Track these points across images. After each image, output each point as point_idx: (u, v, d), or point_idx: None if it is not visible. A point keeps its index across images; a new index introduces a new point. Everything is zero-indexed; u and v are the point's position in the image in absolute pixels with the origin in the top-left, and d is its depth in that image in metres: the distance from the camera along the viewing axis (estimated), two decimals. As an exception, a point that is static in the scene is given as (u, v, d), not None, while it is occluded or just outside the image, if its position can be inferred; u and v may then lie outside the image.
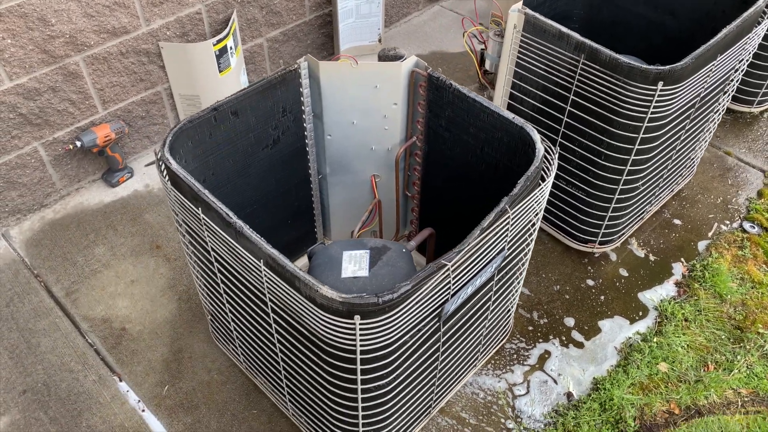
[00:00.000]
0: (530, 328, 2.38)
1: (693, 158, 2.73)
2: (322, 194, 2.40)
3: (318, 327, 1.44)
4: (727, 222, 2.76)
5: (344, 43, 3.48)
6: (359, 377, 1.54)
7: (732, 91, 2.52)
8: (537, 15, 2.13)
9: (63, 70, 2.51)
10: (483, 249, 1.57)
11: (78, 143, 2.65)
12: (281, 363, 1.80)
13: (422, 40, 3.76)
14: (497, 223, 1.58)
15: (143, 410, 2.14)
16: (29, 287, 2.48)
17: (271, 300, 1.57)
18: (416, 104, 2.07)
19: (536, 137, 1.72)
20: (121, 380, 2.22)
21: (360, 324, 1.38)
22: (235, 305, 1.81)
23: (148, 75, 2.79)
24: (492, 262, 1.66)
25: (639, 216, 2.62)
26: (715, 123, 2.65)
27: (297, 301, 1.44)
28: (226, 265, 1.67)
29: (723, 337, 2.35)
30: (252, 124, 1.94)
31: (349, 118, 2.12)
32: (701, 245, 2.67)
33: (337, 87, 2.03)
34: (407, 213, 2.47)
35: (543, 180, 1.73)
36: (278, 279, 1.45)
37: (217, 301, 1.94)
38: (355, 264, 1.90)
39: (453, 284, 1.53)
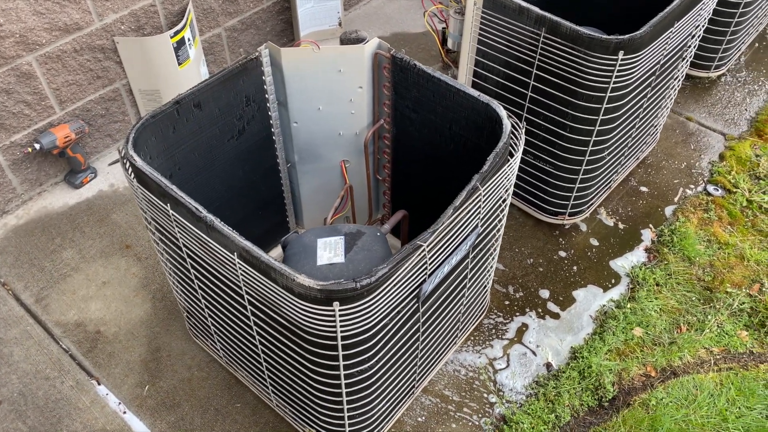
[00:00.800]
0: (507, 302, 2.41)
1: (656, 125, 2.78)
2: (292, 183, 2.38)
3: (297, 316, 1.44)
4: (692, 186, 2.82)
5: (304, 29, 3.43)
6: (341, 363, 1.54)
7: (690, 57, 2.57)
8: (496, -10, 2.13)
9: (15, 71, 2.43)
10: (457, 227, 1.58)
11: (37, 146, 2.57)
12: (262, 355, 1.79)
13: (383, 21, 3.74)
14: (469, 201, 1.59)
15: (125, 412, 2.11)
16: (-3, 296, 2.42)
17: (247, 293, 1.55)
18: (381, 86, 2.05)
19: (503, 114, 1.73)
20: (99, 384, 2.19)
21: (339, 310, 1.37)
22: (212, 301, 1.79)
23: (105, 72, 2.72)
24: (467, 239, 1.67)
25: (606, 185, 2.66)
26: (675, 89, 2.69)
27: (274, 291, 1.43)
28: (200, 260, 1.65)
29: (693, 298, 2.41)
30: (216, 115, 1.91)
31: (314, 105, 2.10)
32: (668, 210, 2.73)
33: (301, 73, 2.00)
34: (379, 196, 2.47)
35: (511, 156, 1.74)
36: (253, 271, 1.44)
37: (193, 298, 1.92)
38: (330, 251, 1.89)
39: (430, 264, 1.54)
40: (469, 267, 1.86)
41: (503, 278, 2.49)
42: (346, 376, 1.60)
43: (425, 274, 1.55)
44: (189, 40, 2.83)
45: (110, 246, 2.58)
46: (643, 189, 2.81)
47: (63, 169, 2.80)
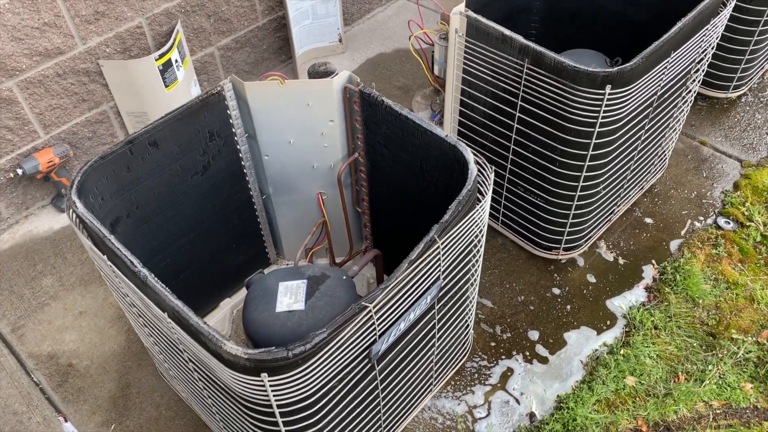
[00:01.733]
0: (493, 344, 2.28)
1: (663, 152, 2.60)
2: (269, 214, 2.29)
3: (229, 383, 1.34)
4: (701, 218, 2.64)
5: (302, 46, 3.35)
6: (282, 428, 1.44)
7: (700, 78, 2.38)
8: (479, 17, 2.00)
9: (-5, 97, 2.40)
10: (412, 284, 1.46)
11: (19, 171, 2.55)
12: (213, 408, 1.70)
13: (386, 37, 3.63)
14: (427, 254, 1.47)
15: (89, 452, 2.06)
16: (-26, 324, 2.40)
17: (185, 350, 1.47)
18: (354, 120, 1.95)
19: (469, 157, 1.60)
20: (66, 420, 2.14)
21: (269, 381, 1.28)
22: (160, 349, 1.71)
23: (90, 95, 2.68)
24: (425, 294, 1.55)
25: (606, 218, 2.50)
26: (684, 113, 2.52)
27: (204, 355, 1.34)
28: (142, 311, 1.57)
29: (695, 344, 2.24)
30: (176, 153, 1.83)
31: (285, 138, 2.00)
32: (673, 245, 2.55)
33: (268, 107, 1.91)
34: (361, 229, 2.36)
35: (479, 200, 1.62)
36: (183, 333, 1.35)
37: (146, 341, 1.85)
38: (290, 296, 1.80)
39: (379, 325, 1.43)
40: (437, 318, 1.74)
41: (491, 317, 2.36)
42: (292, 440, 1.50)
43: (374, 335, 1.44)
44: (177, 61, 2.77)
45: (90, 273, 2.53)
46: (648, 221, 2.64)
47: (50, 192, 2.78)
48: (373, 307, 1.37)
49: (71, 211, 1.56)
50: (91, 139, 2.79)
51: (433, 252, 1.48)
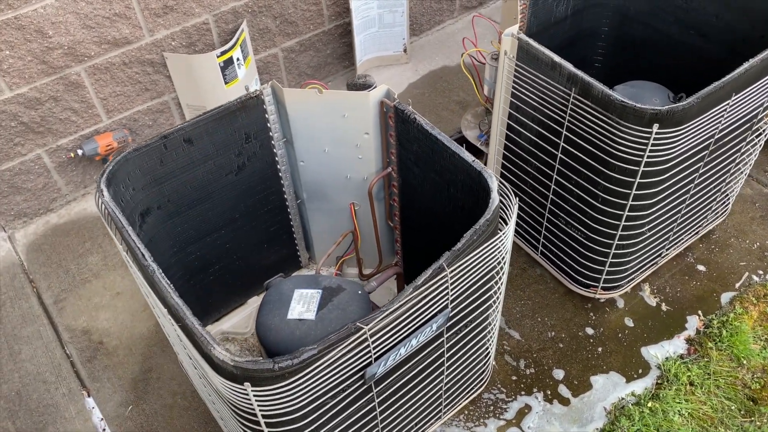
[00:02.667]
0: (514, 377, 2.20)
1: (724, 197, 2.44)
2: (303, 219, 2.30)
3: (218, 386, 1.35)
4: (761, 272, 2.45)
5: (366, 54, 3.36)
6: (269, 439, 1.44)
7: (772, 123, 2.22)
8: (530, 41, 1.94)
9: (64, 81, 2.53)
10: (414, 311, 1.43)
11: (79, 152, 2.67)
12: (214, 404, 1.72)
13: (453, 50, 3.58)
14: (434, 282, 1.43)
15: (104, 429, 2.13)
16: (22, 292, 2.53)
17: (185, 347, 1.49)
18: (388, 135, 1.93)
19: (493, 185, 1.55)
20: (89, 395, 2.23)
21: (253, 391, 1.27)
22: (171, 338, 1.75)
23: (153, 85, 2.78)
24: (431, 322, 1.51)
25: (652, 260, 2.36)
26: (752, 156, 2.35)
27: (197, 356, 1.35)
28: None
29: (733, 408, 2.08)
30: (210, 151, 1.87)
31: (320, 146, 2.01)
32: (725, 297, 2.39)
33: (305, 114, 1.92)
34: (392, 243, 2.34)
35: (500, 230, 1.56)
36: (180, 330, 1.37)
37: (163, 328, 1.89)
38: (303, 305, 1.80)
39: (374, 348, 1.40)
40: (446, 345, 1.69)
41: (516, 349, 2.28)
42: (280, 451, 1.49)
43: (369, 357, 1.42)
44: (239, 59, 2.84)
45: (132, 257, 2.62)
46: (701, 268, 2.48)
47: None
48: (368, 330, 1.35)
49: (99, 198, 1.62)
50: (150, 127, 2.90)
51: (441, 279, 1.44)
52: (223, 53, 2.75)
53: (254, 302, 2.37)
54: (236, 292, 2.33)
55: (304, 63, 3.26)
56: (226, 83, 2.83)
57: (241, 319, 2.34)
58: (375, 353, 1.41)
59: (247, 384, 1.26)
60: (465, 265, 1.48)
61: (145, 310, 2.45)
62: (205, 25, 2.77)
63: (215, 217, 2.03)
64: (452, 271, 1.45)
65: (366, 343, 1.37)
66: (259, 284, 2.36)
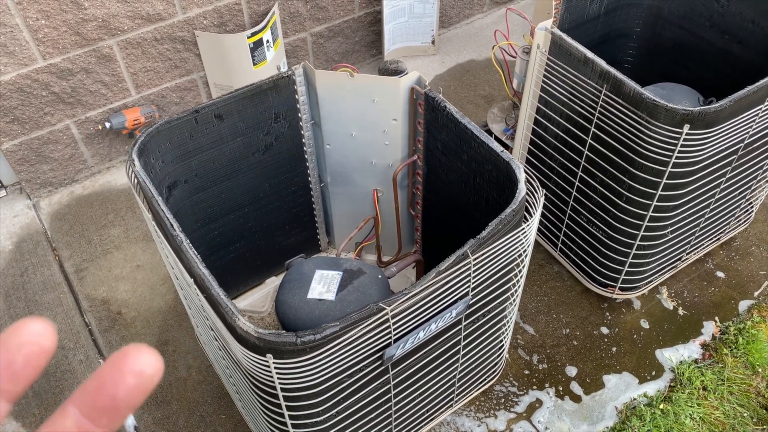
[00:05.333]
0: (526, 371, 2.21)
1: (749, 204, 2.42)
2: (325, 202, 2.32)
3: (239, 357, 1.37)
4: (780, 282, 2.44)
5: (394, 43, 3.36)
6: (285, 412, 1.46)
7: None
8: (564, 36, 1.93)
9: (96, 53, 2.56)
10: (436, 295, 1.44)
11: (107, 124, 2.71)
12: (231, 378, 1.75)
13: (481, 44, 3.58)
14: (457, 268, 1.44)
15: (119, 398, 2.16)
16: (45, 260, 2.57)
17: (207, 318, 1.51)
18: (417, 122, 1.94)
19: (520, 176, 1.55)
20: (106, 364, 2.26)
21: (275, 363, 1.29)
22: (193, 312, 1.77)
23: (183, 62, 2.81)
24: (450, 308, 1.52)
25: (671, 264, 2.35)
26: (779, 168, 2.33)
27: (220, 326, 1.37)
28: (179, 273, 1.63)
29: (745, 415, 2.07)
30: (240, 128, 1.89)
31: (348, 130, 2.02)
32: (743, 305, 2.37)
33: (335, 97, 1.93)
34: (412, 232, 2.35)
35: (526, 219, 1.56)
36: (205, 300, 1.39)
37: (184, 303, 1.92)
38: (324, 285, 1.81)
39: (395, 330, 1.41)
40: (463, 334, 1.70)
41: (530, 344, 2.28)
42: (294, 426, 1.51)
43: (389, 339, 1.43)
44: (268, 41, 2.85)
45: (154, 231, 2.66)
46: (720, 274, 2.47)
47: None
48: (390, 311, 1.36)
49: (129, 168, 1.64)
50: (178, 104, 2.92)
51: (464, 266, 1.45)
52: (254, 34, 2.76)
53: (271, 282, 2.39)
54: (255, 271, 2.35)
55: (332, 49, 3.27)
56: (254, 64, 2.85)
57: (257, 298, 2.36)
58: (395, 335, 1.42)
59: (269, 356, 1.28)
60: (488, 253, 1.49)
61: (164, 284, 2.48)
62: (237, 5, 2.79)
63: (240, 194, 2.05)
64: (475, 259, 1.46)
65: (387, 324, 1.38)
66: (278, 265, 2.38)
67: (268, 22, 2.81)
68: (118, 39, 2.58)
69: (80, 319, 2.38)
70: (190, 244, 1.44)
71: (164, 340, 2.31)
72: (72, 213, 2.74)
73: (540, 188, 1.55)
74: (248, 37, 2.75)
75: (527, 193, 1.54)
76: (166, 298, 2.43)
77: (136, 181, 1.61)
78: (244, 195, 2.07)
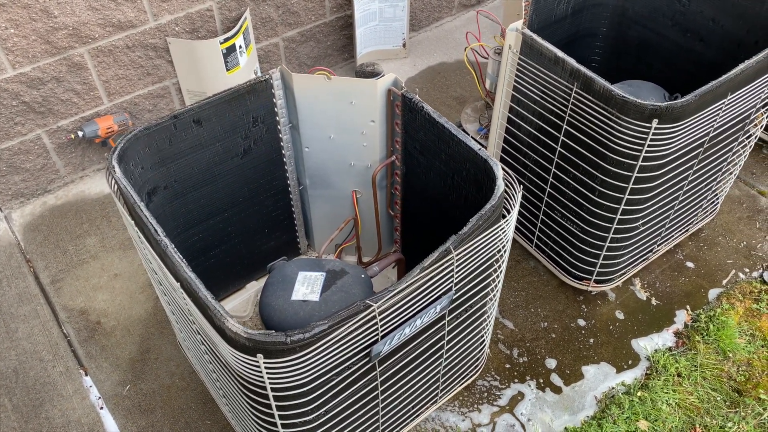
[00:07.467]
0: (507, 365, 2.25)
1: (714, 196, 2.51)
2: (304, 205, 2.33)
3: (228, 359, 1.38)
4: (747, 270, 2.53)
5: (366, 47, 3.39)
6: (276, 413, 1.47)
7: (764, 122, 2.29)
8: (534, 36, 1.99)
9: (67, 61, 2.54)
10: (421, 291, 1.47)
11: (80, 133, 2.68)
12: (216, 383, 1.75)
13: (450, 47, 3.63)
14: (440, 264, 1.47)
15: (101, 407, 2.14)
16: (19, 272, 2.53)
17: (194, 322, 1.52)
18: (394, 123, 1.97)
19: (498, 173, 1.59)
20: (86, 374, 2.24)
21: (265, 363, 1.31)
22: (177, 319, 1.77)
23: (155, 69, 2.80)
24: (434, 303, 1.55)
25: (643, 256, 2.42)
26: (742, 158, 2.42)
27: (209, 329, 1.38)
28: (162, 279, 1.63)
29: (718, 399, 2.15)
30: (218, 133, 1.89)
31: (326, 133, 2.04)
32: (712, 293, 2.46)
33: (312, 100, 1.95)
34: (392, 232, 2.37)
35: (504, 217, 1.60)
36: (193, 305, 1.40)
37: (167, 310, 1.92)
38: (307, 286, 1.83)
39: (381, 326, 1.44)
40: (447, 329, 1.73)
41: (510, 338, 2.33)
42: (284, 426, 1.52)
43: (376, 335, 1.45)
44: (241, 47, 2.86)
45: (130, 239, 2.64)
46: (690, 265, 2.55)
47: (106, 157, 2.90)
48: (377, 308, 1.38)
49: (109, 175, 1.64)
50: (151, 111, 2.91)
51: (446, 262, 1.48)
52: (226, 40, 2.77)
53: (252, 287, 2.40)
54: (235, 276, 2.35)
55: (305, 53, 3.28)
56: (227, 70, 2.85)
57: (239, 302, 2.36)
58: (382, 331, 1.45)
59: (259, 356, 1.29)
60: (470, 249, 1.53)
61: (143, 292, 2.46)
62: (209, 11, 2.79)
63: (219, 199, 2.06)
64: (458, 254, 1.49)
65: (374, 321, 1.41)
66: (258, 269, 2.39)
67: (240, 27, 2.82)
68: (90, 47, 2.56)
69: (58, 331, 2.35)
70: (175, 249, 1.44)
71: (145, 348, 2.30)
72: (46, 224, 2.70)
73: (518, 184, 1.59)
74: (221, 43, 2.76)
75: (505, 189, 1.58)
76: (145, 306, 2.42)
77: (116, 187, 1.61)
78: (224, 199, 2.07)
